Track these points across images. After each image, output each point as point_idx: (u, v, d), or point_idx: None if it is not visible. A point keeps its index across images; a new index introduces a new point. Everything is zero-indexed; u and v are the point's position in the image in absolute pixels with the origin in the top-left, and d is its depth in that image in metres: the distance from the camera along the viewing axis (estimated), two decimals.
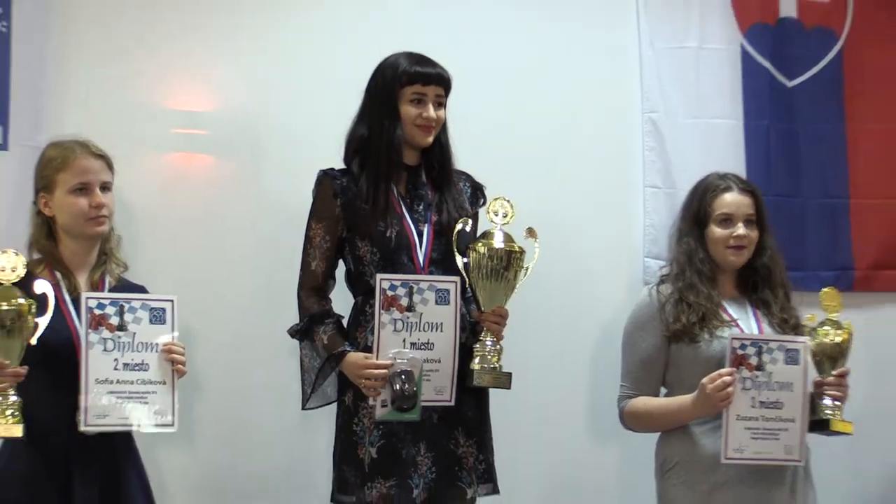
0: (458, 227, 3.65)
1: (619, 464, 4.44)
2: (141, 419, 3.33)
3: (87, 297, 3.33)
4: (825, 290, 3.90)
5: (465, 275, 3.62)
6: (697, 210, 3.90)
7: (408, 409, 3.48)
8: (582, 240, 4.50)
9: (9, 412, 3.15)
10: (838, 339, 3.75)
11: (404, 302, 3.51)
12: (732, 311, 3.84)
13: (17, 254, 3.25)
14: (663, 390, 3.87)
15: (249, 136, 4.32)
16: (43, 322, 3.21)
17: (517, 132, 4.51)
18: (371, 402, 3.52)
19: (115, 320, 3.31)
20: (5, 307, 3.13)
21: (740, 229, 3.80)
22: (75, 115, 4.04)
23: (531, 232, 3.63)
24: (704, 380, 3.57)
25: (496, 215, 3.64)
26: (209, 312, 3.98)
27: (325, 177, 3.71)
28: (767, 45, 4.81)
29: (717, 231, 3.83)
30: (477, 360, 3.59)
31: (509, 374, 3.60)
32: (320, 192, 3.71)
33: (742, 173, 4.44)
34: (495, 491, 3.68)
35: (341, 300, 3.75)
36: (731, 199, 3.85)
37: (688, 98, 4.72)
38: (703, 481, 3.65)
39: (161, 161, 4.24)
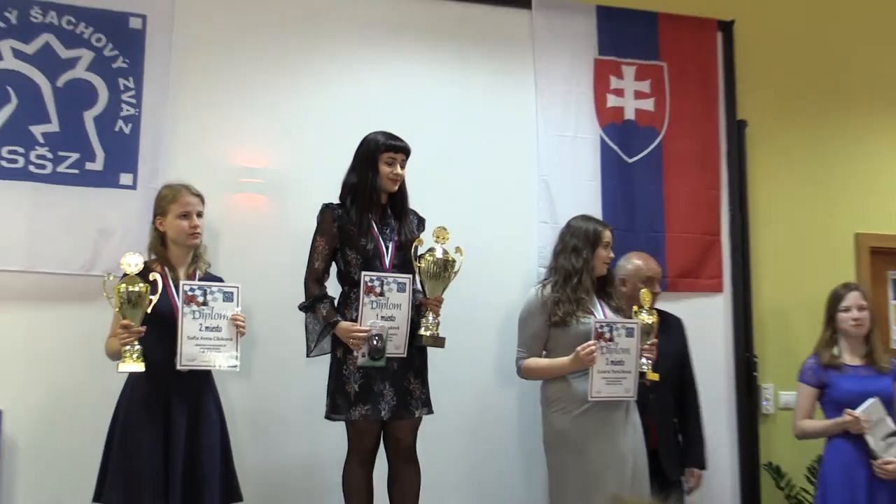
0: (416, 243, 3.72)
1: (515, 399, 4.41)
2: (216, 362, 3.46)
3: (183, 284, 3.48)
4: (642, 291, 3.96)
5: (418, 274, 3.70)
6: (594, 239, 3.92)
7: (378, 359, 3.58)
8: (494, 254, 4.43)
9: (135, 355, 3.32)
10: (650, 321, 3.85)
11: (378, 290, 3.60)
12: (590, 304, 3.90)
13: (138, 255, 3.40)
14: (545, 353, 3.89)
15: (286, 184, 4.32)
16: (154, 299, 3.36)
17: (453, 183, 4.48)
18: (355, 353, 3.59)
19: (200, 299, 3.46)
20: (132, 289, 3.30)
21: (610, 252, 3.94)
22: (181, 166, 4.08)
23: (459, 249, 3.70)
24: (579, 348, 3.67)
25: (437, 237, 3.71)
26: (260, 296, 3.92)
27: (327, 208, 3.74)
28: (616, 136, 4.83)
29: (602, 253, 3.90)
30: (423, 328, 3.66)
31: (444, 338, 3.68)
32: (324, 217, 3.73)
33: (598, 215, 4.48)
34: (431, 412, 3.73)
35: (331, 290, 3.79)
36: (609, 234, 3.96)
37: (566, 167, 4.71)
38: (574, 410, 3.73)
39: (233, 199, 4.26)
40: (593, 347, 3.65)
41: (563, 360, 3.77)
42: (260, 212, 4.31)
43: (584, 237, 3.93)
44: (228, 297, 3.50)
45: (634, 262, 4.35)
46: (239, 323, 3.49)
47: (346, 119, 4.27)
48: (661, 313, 4.30)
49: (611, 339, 3.70)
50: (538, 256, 4.53)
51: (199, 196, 3.66)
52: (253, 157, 4.33)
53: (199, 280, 3.56)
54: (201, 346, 3.42)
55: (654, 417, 4.12)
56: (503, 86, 4.73)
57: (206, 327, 3.43)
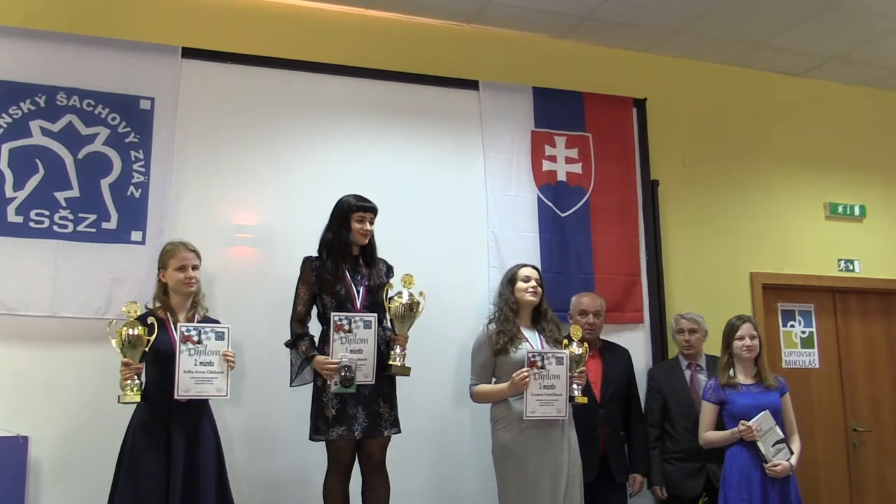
0: (386, 288, 3.65)
1: (469, 419, 4.31)
2: (209, 392, 3.36)
3: (181, 326, 3.38)
4: (573, 326, 3.93)
5: (388, 314, 3.62)
6: (511, 276, 3.90)
7: (349, 387, 3.50)
8: (452, 295, 4.38)
9: (134, 388, 3.24)
10: (579, 352, 3.76)
11: (346, 327, 3.53)
12: (527, 333, 3.83)
13: (136, 303, 3.33)
14: (494, 380, 3.80)
15: (273, 239, 4.26)
16: (151, 339, 3.29)
17: (416, 236, 4.41)
18: (329, 382, 3.52)
19: (196, 338, 3.37)
20: (131, 332, 3.25)
21: (533, 283, 3.84)
22: (184, 224, 4.04)
23: (422, 293, 3.63)
24: (514, 375, 3.60)
25: (405, 282, 3.64)
26: (249, 335, 3.89)
27: (308, 260, 3.69)
28: (551, 194, 4.80)
29: (521, 284, 3.84)
30: (392, 359, 3.59)
31: (409, 368, 3.62)
32: (304, 268, 3.68)
33: (537, 261, 4.53)
34: (399, 431, 3.66)
35: (315, 329, 3.72)
36: (528, 270, 3.89)
37: (510, 220, 4.68)
38: (516, 427, 3.64)
39: (227, 252, 4.20)
40: (525, 374, 3.58)
41: (503, 385, 3.70)
42: (251, 262, 4.24)
43: (505, 279, 3.93)
44: (220, 336, 3.40)
45: (575, 299, 4.39)
46: (229, 358, 3.39)
47: (323, 185, 4.23)
48: (608, 344, 4.41)
49: (542, 367, 3.61)
50: (489, 295, 4.41)
51: (195, 251, 3.56)
52: (245, 217, 4.28)
53: (198, 322, 3.47)
54: (196, 378, 3.31)
55: (604, 429, 4.13)
56: (456, 154, 4.71)
57: (201, 362, 3.33)
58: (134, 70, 4.10)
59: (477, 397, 3.82)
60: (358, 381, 3.51)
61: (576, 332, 3.82)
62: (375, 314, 3.58)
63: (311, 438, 3.60)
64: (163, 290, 3.52)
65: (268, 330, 3.87)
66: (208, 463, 3.35)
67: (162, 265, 3.53)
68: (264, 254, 4.25)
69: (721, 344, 4.14)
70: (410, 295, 3.61)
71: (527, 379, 3.58)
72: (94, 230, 3.94)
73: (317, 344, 3.64)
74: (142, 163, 4.08)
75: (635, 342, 4.74)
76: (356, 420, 3.53)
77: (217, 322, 3.55)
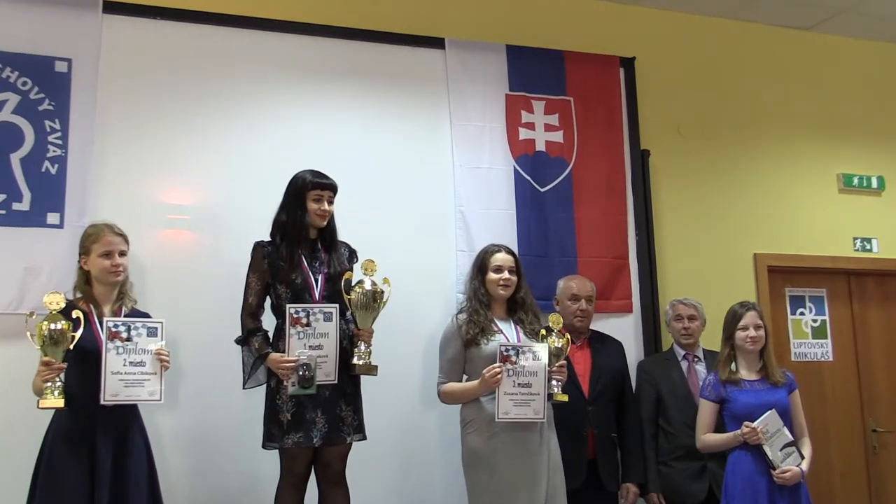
0: (346, 277, 3.66)
1: (437, 421, 4.33)
2: (140, 396, 3.36)
3: (107, 320, 3.37)
4: (552, 314, 3.87)
5: (348, 305, 3.64)
6: (480, 264, 3.92)
7: (308, 387, 3.52)
8: (417, 283, 4.36)
9: (56, 392, 3.20)
10: (559, 344, 3.74)
11: (304, 320, 3.54)
12: (501, 325, 3.85)
13: (59, 293, 3.29)
14: (465, 377, 3.83)
15: (216, 221, 4.26)
16: (77, 336, 3.26)
17: (377, 216, 4.44)
18: (285, 383, 3.53)
19: (124, 334, 3.35)
20: (54, 326, 3.19)
21: (505, 274, 3.85)
22: (106, 205, 4.03)
23: (386, 280, 3.64)
24: (484, 371, 3.62)
25: (366, 270, 3.65)
26: (186, 330, 3.90)
27: (259, 245, 3.70)
28: (529, 167, 4.83)
29: (492, 275, 3.86)
30: (355, 357, 3.61)
31: (376, 366, 3.64)
32: (255, 255, 3.69)
33: (514, 243, 4.54)
34: (364, 438, 3.68)
35: (269, 323, 3.74)
36: (501, 257, 3.90)
37: (482, 197, 4.71)
38: (488, 431, 3.66)
39: (159, 235, 4.18)
40: (497, 370, 3.58)
41: (473, 383, 3.72)
42: (189, 248, 4.23)
43: (475, 263, 3.95)
44: (153, 332, 3.40)
45: (563, 282, 4.41)
46: (163, 357, 3.39)
47: (273, 157, 4.27)
48: (598, 334, 4.43)
49: (516, 362, 3.62)
50: (457, 283, 4.46)
51: (122, 235, 3.56)
52: (180, 196, 4.26)
53: (125, 316, 3.46)
54: (125, 380, 3.30)
55: (593, 429, 4.14)
56: (419, 121, 4.73)
57: (130, 362, 3.32)
58: (47, 27, 4.05)
59: (445, 397, 3.85)
60: (318, 381, 3.53)
61: (555, 320, 3.80)
62: (336, 305, 3.59)
63: (263, 446, 3.61)
64: (84, 279, 3.51)
65: (210, 325, 3.91)
66: (138, 475, 3.35)
67: (84, 251, 3.51)
68: (205, 238, 4.25)
69: (721, 335, 4.15)
70: (373, 283, 3.62)
71: (498, 375, 3.58)
72: (3, 212, 3.91)
73: (271, 340, 3.66)
74: (58, 134, 4.04)
75: (624, 333, 4.74)
76: (315, 425, 3.54)
77: (148, 316, 3.55)
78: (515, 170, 4.81)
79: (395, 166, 4.62)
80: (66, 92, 4.05)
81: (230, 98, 4.39)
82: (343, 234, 3.87)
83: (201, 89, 4.34)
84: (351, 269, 3.75)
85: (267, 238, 3.73)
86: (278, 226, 3.72)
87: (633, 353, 4.81)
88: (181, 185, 4.26)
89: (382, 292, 3.63)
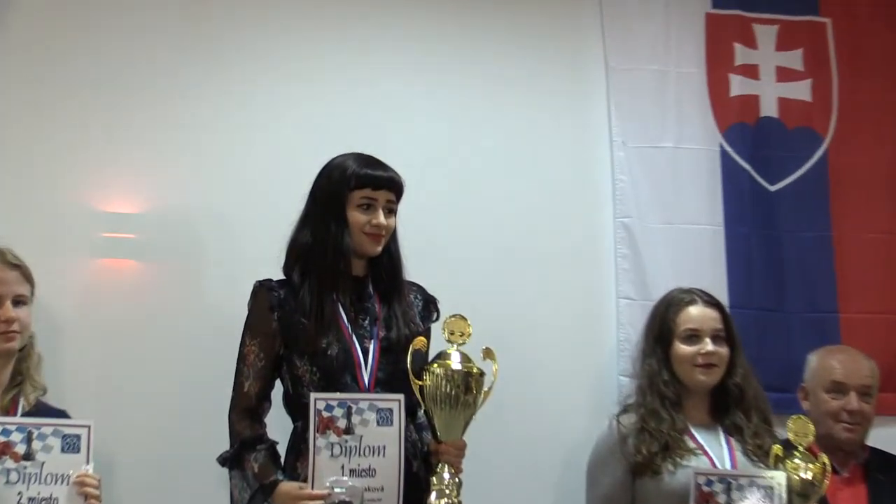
0: (416, 346, 3.55)
1: None
2: None
3: None
4: (794, 417, 3.74)
5: (420, 400, 3.53)
6: (660, 327, 3.91)
7: None
8: (547, 358, 4.43)
9: None
10: (808, 476, 3.60)
11: (342, 424, 3.40)
12: (701, 437, 3.81)
13: None
14: None
15: (183, 240, 4.32)
16: None
17: (475, 239, 4.49)
18: None
19: (21, 448, 3.20)
20: None
21: (709, 345, 3.80)
22: (2, 216, 4.08)
23: (488, 353, 3.51)
24: None
25: (452, 334, 3.53)
26: (133, 437, 3.94)
27: (261, 288, 3.65)
28: (747, 145, 4.81)
29: (682, 348, 3.82)
30: (434, 494, 3.45)
31: None
32: (255, 305, 3.65)
33: (723, 284, 4.55)
34: None
35: (281, 426, 3.68)
36: (697, 314, 3.87)
37: (663, 201, 4.70)
38: None
39: (87, 268, 4.22)
40: None
41: None
42: (138, 290, 4.29)
43: (651, 324, 4.02)
44: (71, 445, 3.25)
45: (816, 360, 4.34)
46: (89, 489, 3.22)
47: (289, 137, 4.41)
48: (882, 456, 4.33)
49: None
50: (618, 357, 4.53)
51: (21, 268, 3.51)
52: (122, 197, 4.33)
53: (24, 415, 3.40)
54: None
55: None
56: (552, 71, 4.81)
57: (30, 499, 3.18)
58: None
59: None
60: None
61: (800, 429, 3.69)
62: (401, 396, 3.48)
63: None
64: None
65: (173, 432, 4.03)
66: None
67: None
68: (167, 272, 4.32)
69: None
70: (465, 358, 3.51)
71: None
72: None
73: (282, 459, 3.59)
74: None
75: None
76: None
77: (65, 415, 3.51)
78: (723, 150, 4.81)
79: (506, 147, 4.70)
80: None
81: (214, 40, 4.52)
82: (415, 270, 3.81)
83: (153, 29, 4.45)
84: (427, 333, 3.69)
85: (277, 275, 3.68)
86: (298, 253, 3.69)
87: None
88: (123, 182, 4.34)
89: (481, 374, 3.51)
